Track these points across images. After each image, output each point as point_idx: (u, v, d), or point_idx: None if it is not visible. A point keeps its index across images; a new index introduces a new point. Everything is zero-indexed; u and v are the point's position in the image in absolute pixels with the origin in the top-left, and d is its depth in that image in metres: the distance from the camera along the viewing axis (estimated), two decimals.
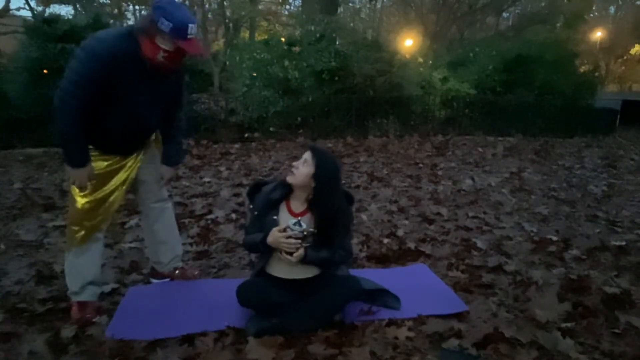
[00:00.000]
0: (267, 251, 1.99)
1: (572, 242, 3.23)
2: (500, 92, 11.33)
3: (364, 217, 3.73)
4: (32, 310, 2.12)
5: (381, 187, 4.95)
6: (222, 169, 5.90)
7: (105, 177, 2.05)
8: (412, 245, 3.08)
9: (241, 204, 4.04)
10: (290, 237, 1.90)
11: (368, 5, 26.94)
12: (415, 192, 4.73)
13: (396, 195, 4.55)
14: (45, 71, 7.43)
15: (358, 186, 4.98)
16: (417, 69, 11.50)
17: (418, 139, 9.32)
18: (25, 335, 1.92)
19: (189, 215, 3.74)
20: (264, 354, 1.77)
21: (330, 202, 1.93)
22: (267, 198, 2.00)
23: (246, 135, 8.62)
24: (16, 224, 3.52)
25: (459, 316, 2.11)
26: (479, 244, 3.13)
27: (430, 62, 13.57)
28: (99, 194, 2.04)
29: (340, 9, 18.63)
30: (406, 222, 3.67)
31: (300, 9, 17.53)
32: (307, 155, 1.94)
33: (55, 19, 8.28)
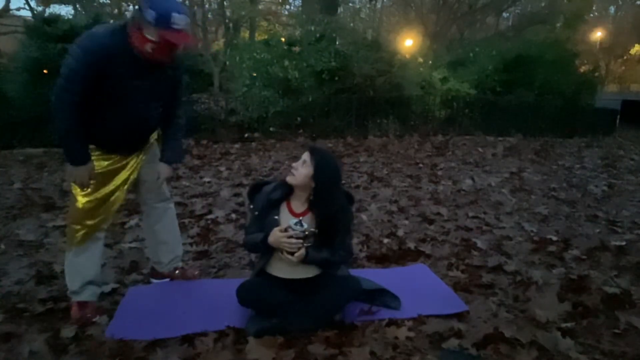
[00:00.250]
0: (268, 251, 1.99)
1: (572, 242, 3.23)
2: (500, 92, 11.33)
3: (364, 217, 3.73)
4: (32, 310, 2.12)
5: (381, 187, 4.94)
6: (222, 169, 5.90)
7: (107, 176, 2.05)
8: (412, 245, 3.08)
9: (241, 204, 4.04)
10: (291, 237, 1.90)
11: (368, 5, 26.94)
12: (415, 192, 4.73)
13: (396, 195, 4.55)
14: (45, 71, 7.41)
15: (358, 186, 4.98)
16: (417, 69, 11.50)
17: (418, 139, 9.32)
18: (25, 335, 1.92)
19: (189, 215, 3.74)
20: (264, 354, 1.77)
21: (330, 202, 1.93)
22: (267, 198, 2.00)
23: (246, 135, 8.62)
24: (16, 224, 3.52)
25: (459, 316, 2.11)
26: (479, 244, 3.13)
27: (430, 62, 13.57)
28: (100, 193, 2.04)
29: (340, 9, 18.62)
30: (406, 222, 3.67)
31: (300, 9, 17.54)
32: (306, 155, 1.94)
33: (55, 19, 8.27)
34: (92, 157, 1.99)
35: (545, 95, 11.50)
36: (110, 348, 1.81)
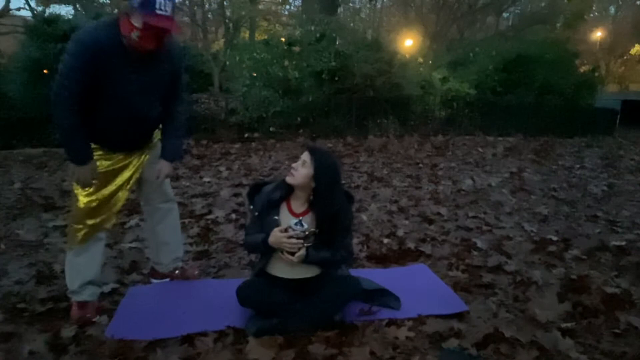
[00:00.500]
0: (268, 252, 1.99)
1: (572, 242, 3.23)
2: (500, 92, 11.32)
3: (364, 217, 3.73)
4: (32, 310, 2.12)
5: (381, 187, 4.94)
6: (222, 169, 5.90)
7: (109, 175, 2.04)
8: (412, 245, 3.08)
9: (241, 204, 4.04)
10: (292, 237, 1.90)
11: (368, 5, 26.92)
12: (415, 192, 4.73)
13: (396, 195, 4.55)
14: (45, 71, 7.41)
15: (358, 186, 4.98)
16: (417, 69, 11.50)
17: (418, 139, 9.32)
18: (25, 335, 1.92)
19: (189, 215, 3.74)
20: (264, 354, 1.77)
21: (331, 202, 1.93)
22: (267, 199, 2.00)
23: (246, 135, 8.62)
24: (16, 224, 3.52)
25: (459, 316, 2.11)
26: (479, 244, 3.13)
27: (430, 62, 13.57)
28: (102, 193, 2.03)
29: (340, 9, 18.62)
30: (406, 222, 3.67)
31: (300, 9, 17.53)
32: (305, 156, 1.94)
33: (55, 19, 8.27)
34: (94, 157, 1.99)
35: (545, 95, 11.49)
36: (110, 348, 1.81)
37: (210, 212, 3.80)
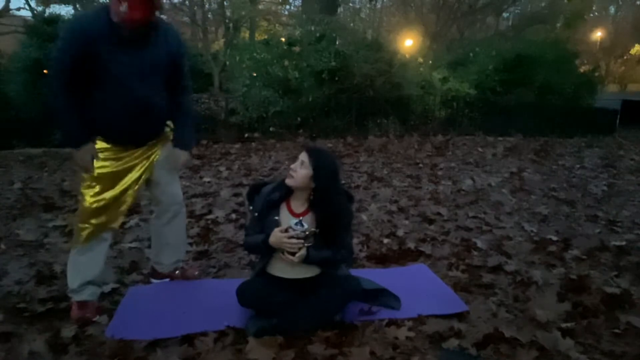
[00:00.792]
0: (269, 252, 1.99)
1: (572, 242, 3.23)
2: (500, 92, 11.32)
3: (364, 217, 3.73)
4: (32, 310, 2.12)
5: (381, 187, 4.94)
6: (222, 169, 5.90)
7: (117, 176, 2.04)
8: (412, 245, 3.08)
9: (241, 204, 4.03)
10: (292, 237, 1.90)
11: (368, 5, 26.91)
12: (415, 192, 4.73)
13: (396, 195, 4.55)
14: (45, 71, 7.42)
15: (358, 186, 4.98)
16: (417, 69, 11.49)
17: (418, 139, 9.32)
18: (25, 335, 1.92)
19: (189, 215, 3.71)
20: (264, 354, 1.77)
21: (331, 202, 1.93)
22: (267, 199, 2.00)
23: (246, 135, 8.61)
24: (16, 224, 3.52)
25: (459, 316, 2.11)
26: (479, 244, 3.13)
27: (430, 62, 13.56)
28: (109, 194, 2.03)
29: (340, 9, 18.61)
30: (406, 222, 3.67)
31: (300, 9, 17.52)
32: (303, 156, 1.94)
33: (55, 19, 8.29)
34: (102, 157, 1.99)
35: (545, 95, 11.50)
36: (110, 348, 1.81)
37: (210, 212, 3.80)
